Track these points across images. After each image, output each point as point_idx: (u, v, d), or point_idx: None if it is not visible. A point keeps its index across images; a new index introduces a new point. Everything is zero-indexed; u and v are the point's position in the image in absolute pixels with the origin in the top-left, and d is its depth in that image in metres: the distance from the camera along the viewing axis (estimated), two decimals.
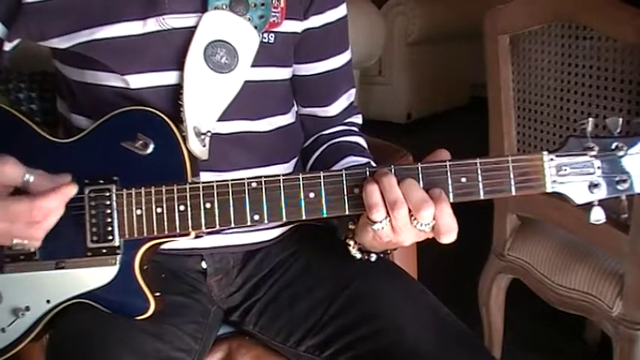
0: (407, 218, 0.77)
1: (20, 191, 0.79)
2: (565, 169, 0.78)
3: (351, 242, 0.89)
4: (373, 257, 0.90)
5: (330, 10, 1.02)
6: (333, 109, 1.09)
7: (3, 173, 0.78)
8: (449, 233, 0.77)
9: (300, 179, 0.81)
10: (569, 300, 1.46)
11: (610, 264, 1.38)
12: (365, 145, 1.10)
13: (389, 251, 0.90)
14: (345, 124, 1.12)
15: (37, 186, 0.79)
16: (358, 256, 0.90)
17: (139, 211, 0.84)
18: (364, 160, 1.03)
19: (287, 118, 1.04)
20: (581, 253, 1.44)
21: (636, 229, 1.27)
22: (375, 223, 0.78)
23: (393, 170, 0.79)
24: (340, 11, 1.04)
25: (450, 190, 0.78)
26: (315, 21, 1.00)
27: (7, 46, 0.93)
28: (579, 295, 1.43)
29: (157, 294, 0.87)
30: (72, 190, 0.80)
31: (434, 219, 0.76)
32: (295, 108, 1.09)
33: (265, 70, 0.96)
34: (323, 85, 1.07)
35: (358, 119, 1.15)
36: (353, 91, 1.12)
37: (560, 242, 1.50)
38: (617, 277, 1.35)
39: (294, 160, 1.07)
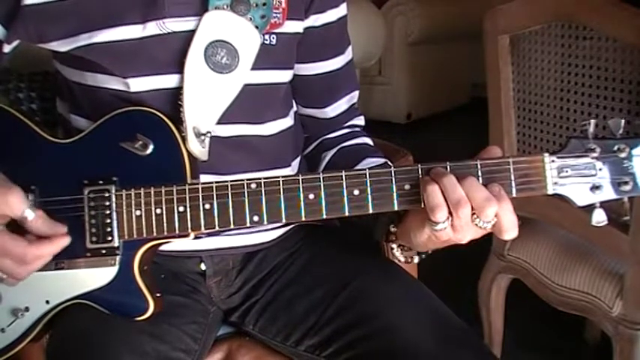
0: (469, 217, 0.76)
1: (14, 222, 0.81)
2: (566, 171, 0.77)
3: (394, 245, 0.88)
4: (416, 259, 0.89)
5: (331, 9, 1.01)
6: (332, 111, 1.09)
7: (6, 202, 0.79)
8: (512, 230, 0.76)
9: (300, 180, 0.81)
10: (569, 300, 1.46)
11: (610, 264, 1.38)
12: (372, 143, 1.10)
13: (429, 251, 0.88)
14: (348, 127, 1.11)
15: (33, 226, 0.81)
16: (402, 259, 0.89)
17: (138, 212, 0.84)
18: (381, 160, 1.02)
19: (287, 121, 1.04)
20: (581, 253, 1.44)
21: (636, 229, 1.27)
22: (437, 223, 0.77)
23: (392, 172, 0.79)
24: (341, 11, 1.03)
25: None
26: (316, 20, 1.00)
27: (6, 48, 0.93)
28: (579, 295, 1.43)
29: (156, 295, 0.87)
30: (65, 243, 0.83)
31: (495, 217, 0.76)
32: (294, 109, 1.08)
33: (267, 73, 0.95)
34: (323, 86, 1.06)
35: (360, 121, 1.14)
36: (355, 93, 1.11)
37: (560, 242, 1.50)
38: (617, 277, 1.35)
39: (296, 162, 1.07)
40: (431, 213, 0.76)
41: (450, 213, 0.76)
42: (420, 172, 0.79)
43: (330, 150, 1.08)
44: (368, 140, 1.10)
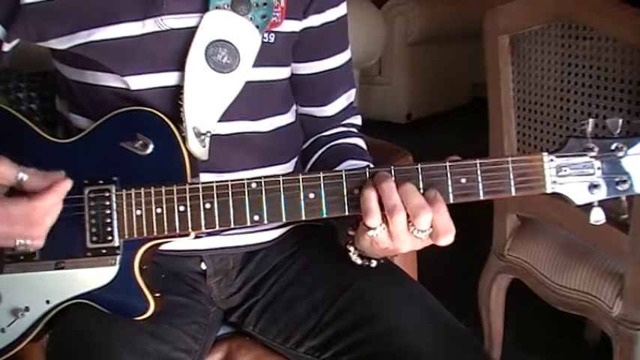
0: (404, 224, 0.76)
1: (16, 190, 0.80)
2: (565, 170, 0.77)
3: (351, 248, 0.88)
4: (374, 263, 0.90)
5: (330, 9, 1.01)
6: (331, 109, 1.09)
7: None
8: (446, 234, 0.77)
9: (300, 180, 0.81)
10: (569, 300, 1.46)
11: (610, 264, 1.38)
12: (364, 146, 1.10)
13: (389, 257, 0.89)
14: (344, 126, 1.12)
15: (31, 185, 0.79)
16: (359, 262, 0.89)
17: (138, 212, 0.84)
18: (363, 163, 1.02)
19: (287, 118, 1.04)
20: (581, 253, 1.44)
21: (636, 229, 1.27)
22: (370, 229, 0.78)
23: (392, 171, 0.79)
24: (340, 10, 1.03)
25: (450, 190, 0.78)
26: (315, 20, 1.00)
27: (6, 47, 0.93)
28: (579, 295, 1.43)
29: (157, 294, 0.87)
30: (67, 185, 0.80)
31: (431, 226, 0.76)
32: (295, 107, 1.08)
33: (265, 70, 0.95)
34: (322, 84, 1.06)
35: (357, 120, 1.14)
36: (353, 91, 1.11)
37: (560, 242, 1.50)
38: (617, 277, 1.35)
39: (294, 160, 1.07)
40: (364, 217, 0.77)
41: (386, 219, 0.76)
42: (419, 171, 0.79)
43: (321, 148, 1.08)
44: (359, 141, 1.10)
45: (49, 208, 0.79)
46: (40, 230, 0.80)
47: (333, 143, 1.08)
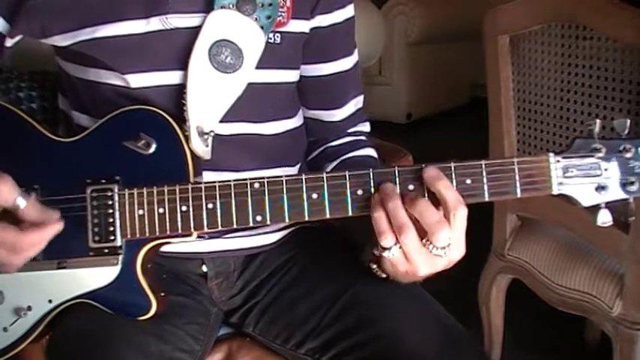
0: (416, 242, 0.75)
1: (7, 211, 0.79)
2: (571, 171, 0.77)
3: (374, 266, 0.87)
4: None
5: (337, 10, 1.01)
6: (340, 114, 1.08)
7: None
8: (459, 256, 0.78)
9: (303, 180, 0.80)
10: (569, 300, 1.46)
11: (610, 264, 1.38)
12: (375, 155, 1.09)
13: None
14: (352, 135, 1.11)
15: (26, 214, 0.79)
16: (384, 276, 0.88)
17: (141, 211, 0.84)
18: None
19: (293, 122, 1.04)
20: (581, 253, 1.44)
21: (636, 229, 1.27)
22: (384, 249, 0.77)
23: (396, 172, 0.79)
24: (348, 12, 1.03)
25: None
26: (322, 20, 1.00)
27: (9, 42, 0.93)
28: (579, 295, 1.43)
29: (159, 294, 0.87)
30: (57, 229, 0.81)
31: (449, 242, 0.75)
32: (301, 111, 1.07)
33: (270, 72, 0.95)
34: (331, 87, 1.06)
35: (366, 127, 1.13)
36: (361, 97, 1.11)
37: (560, 242, 1.50)
38: (617, 277, 1.35)
39: (299, 165, 1.07)
40: (379, 239, 0.77)
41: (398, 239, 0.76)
42: (424, 171, 0.78)
43: (332, 161, 1.07)
44: (371, 152, 1.09)
45: (34, 243, 0.80)
46: (20, 260, 0.81)
47: (345, 157, 1.06)
